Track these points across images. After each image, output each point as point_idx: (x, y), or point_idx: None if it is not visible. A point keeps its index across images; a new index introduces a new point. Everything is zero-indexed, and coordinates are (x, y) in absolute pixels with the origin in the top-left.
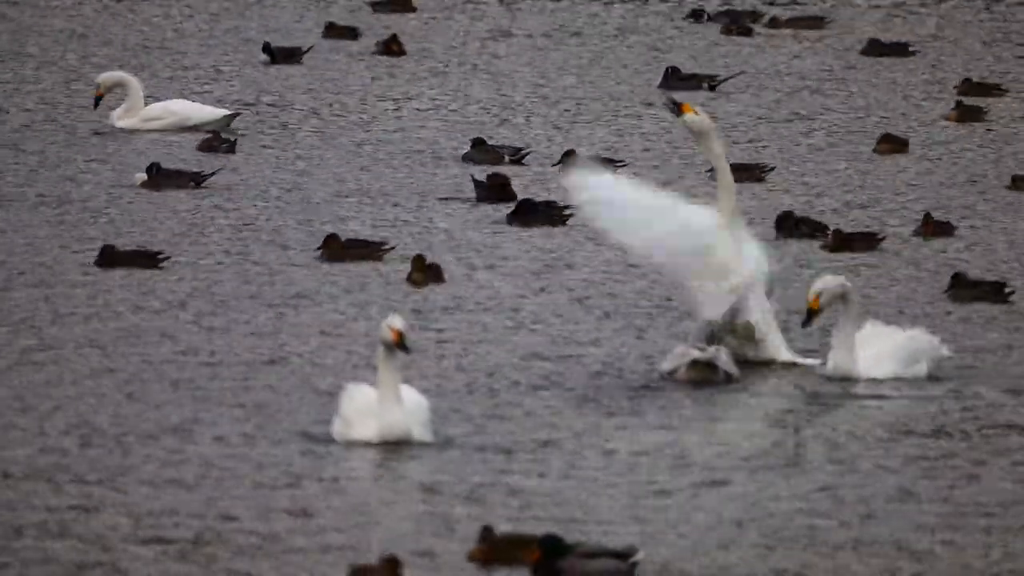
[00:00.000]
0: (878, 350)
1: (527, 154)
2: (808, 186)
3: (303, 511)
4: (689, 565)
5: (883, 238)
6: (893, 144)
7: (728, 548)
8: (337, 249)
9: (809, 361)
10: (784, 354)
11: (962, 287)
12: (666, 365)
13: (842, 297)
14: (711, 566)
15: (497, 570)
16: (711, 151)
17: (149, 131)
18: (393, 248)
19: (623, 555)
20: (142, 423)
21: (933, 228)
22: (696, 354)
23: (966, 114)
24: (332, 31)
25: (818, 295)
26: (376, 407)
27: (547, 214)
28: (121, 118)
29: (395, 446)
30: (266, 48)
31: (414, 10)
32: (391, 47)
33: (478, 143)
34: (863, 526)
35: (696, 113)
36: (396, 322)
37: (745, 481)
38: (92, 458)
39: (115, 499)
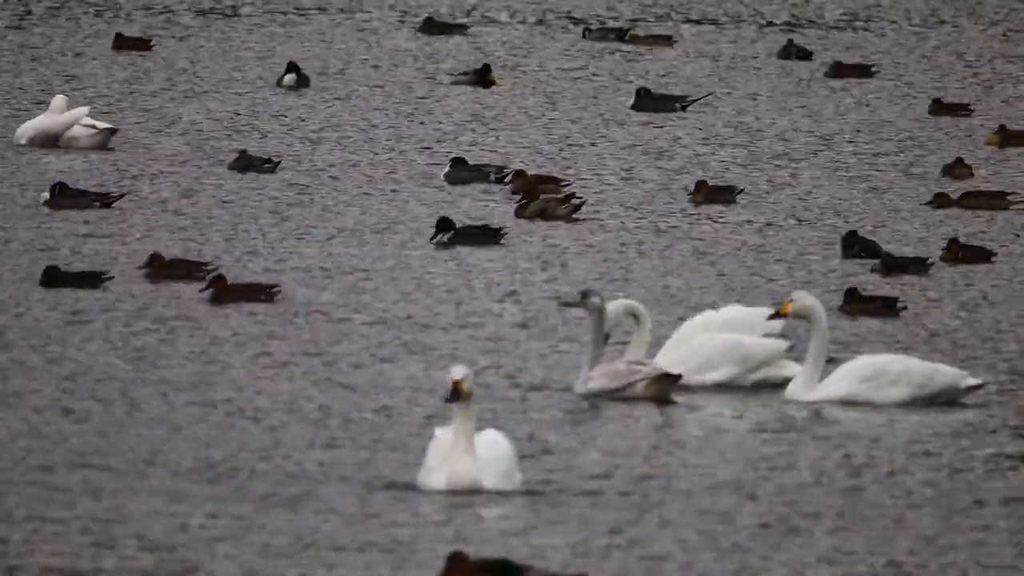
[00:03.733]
0: (846, 371)
1: (510, 173)
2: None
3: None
4: None
5: (932, 263)
6: (965, 169)
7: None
8: (222, 290)
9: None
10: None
11: (856, 302)
12: (599, 383)
13: (808, 317)
14: None
15: None
16: (642, 333)
17: (31, 149)
18: (280, 291)
19: None
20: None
21: (956, 255)
22: (653, 370)
23: (1008, 138)
24: (122, 42)
25: (790, 302)
26: (448, 455)
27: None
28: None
29: (466, 494)
30: (292, 68)
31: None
32: (487, 78)
33: (457, 162)
34: (822, 547)
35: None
36: (457, 372)
37: (701, 507)
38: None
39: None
